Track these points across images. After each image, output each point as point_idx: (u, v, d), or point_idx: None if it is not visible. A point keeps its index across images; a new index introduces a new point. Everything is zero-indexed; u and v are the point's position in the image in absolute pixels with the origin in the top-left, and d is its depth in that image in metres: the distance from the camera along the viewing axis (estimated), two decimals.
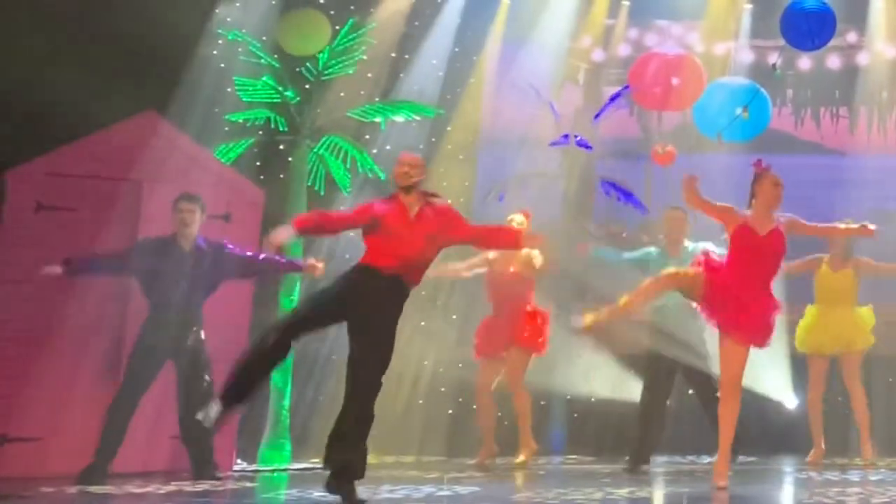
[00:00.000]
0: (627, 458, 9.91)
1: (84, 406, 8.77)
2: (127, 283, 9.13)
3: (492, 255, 10.15)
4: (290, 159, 10.37)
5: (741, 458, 9.89)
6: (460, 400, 11.11)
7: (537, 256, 10.06)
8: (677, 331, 9.67)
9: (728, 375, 8.09)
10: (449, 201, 7.92)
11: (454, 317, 11.01)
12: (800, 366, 10.95)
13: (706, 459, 10.47)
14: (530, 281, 10.25)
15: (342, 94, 10.58)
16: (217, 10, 10.22)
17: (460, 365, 11.08)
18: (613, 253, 10.14)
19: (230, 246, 9.02)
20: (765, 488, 8.50)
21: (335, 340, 10.44)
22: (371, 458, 10.49)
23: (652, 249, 10.06)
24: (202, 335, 8.98)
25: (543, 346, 10.25)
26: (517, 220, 10.04)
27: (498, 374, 10.29)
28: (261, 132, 10.36)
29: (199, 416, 7.34)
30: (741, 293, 7.97)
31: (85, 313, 8.94)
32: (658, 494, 8.28)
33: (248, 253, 9.07)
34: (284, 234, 7.44)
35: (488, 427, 10.30)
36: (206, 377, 8.88)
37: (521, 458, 10.22)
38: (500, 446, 10.32)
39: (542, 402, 11.21)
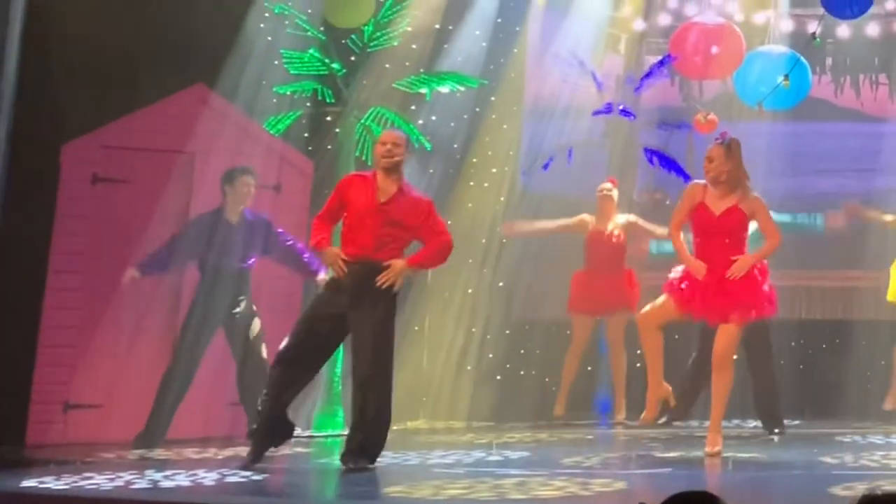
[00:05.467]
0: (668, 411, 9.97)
1: (143, 374, 8.96)
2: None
3: (588, 217, 10.87)
4: (337, 130, 10.48)
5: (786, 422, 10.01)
6: (508, 366, 11.23)
7: (635, 219, 10.88)
8: None
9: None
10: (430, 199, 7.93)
11: (501, 284, 11.13)
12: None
13: (751, 424, 10.57)
14: (625, 243, 10.79)
15: (387, 66, 10.65)
16: None
17: (507, 331, 11.24)
18: None
19: (280, 230, 9.26)
20: (811, 452, 8.59)
21: None
22: (422, 424, 10.77)
23: None
24: (253, 306, 9.17)
25: (636, 305, 10.58)
26: (606, 187, 10.80)
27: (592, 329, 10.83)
28: (308, 104, 10.47)
29: None
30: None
31: (142, 283, 9.11)
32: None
33: (290, 241, 9.27)
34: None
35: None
36: (261, 346, 9.08)
37: (619, 416, 10.65)
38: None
39: (589, 368, 11.33)
